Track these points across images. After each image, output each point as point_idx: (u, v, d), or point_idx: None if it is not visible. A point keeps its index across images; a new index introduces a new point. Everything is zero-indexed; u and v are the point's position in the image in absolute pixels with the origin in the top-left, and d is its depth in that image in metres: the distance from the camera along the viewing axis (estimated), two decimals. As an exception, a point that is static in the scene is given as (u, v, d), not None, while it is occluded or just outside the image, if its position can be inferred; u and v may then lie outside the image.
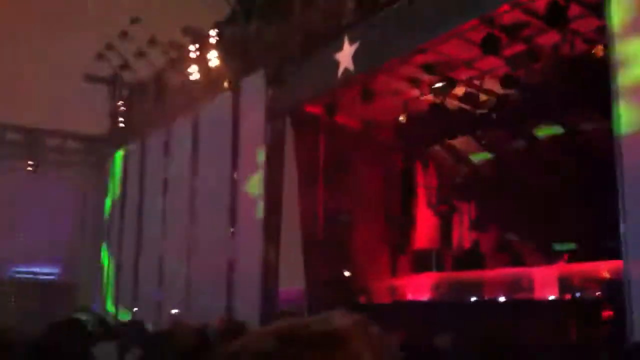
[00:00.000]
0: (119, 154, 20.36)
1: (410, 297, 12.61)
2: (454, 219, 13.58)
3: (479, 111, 12.30)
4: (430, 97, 12.33)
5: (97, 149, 21.56)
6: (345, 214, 13.46)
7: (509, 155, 13.05)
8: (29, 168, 20.58)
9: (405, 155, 14.18)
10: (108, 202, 21.10)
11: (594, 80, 8.92)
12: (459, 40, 10.67)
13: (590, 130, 11.62)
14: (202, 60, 15.69)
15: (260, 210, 14.08)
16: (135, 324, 9.32)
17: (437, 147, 13.93)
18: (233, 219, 14.93)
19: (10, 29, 18.84)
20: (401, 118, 12.89)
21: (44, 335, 5.44)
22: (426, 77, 11.85)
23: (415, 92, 12.59)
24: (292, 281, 13.74)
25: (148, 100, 18.73)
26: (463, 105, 12.39)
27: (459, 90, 12.01)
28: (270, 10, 13.86)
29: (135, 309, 17.69)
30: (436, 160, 14.10)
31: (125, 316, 17.39)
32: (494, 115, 12.10)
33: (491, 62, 11.14)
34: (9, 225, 19.70)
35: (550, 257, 11.36)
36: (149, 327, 9.99)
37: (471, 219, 13.25)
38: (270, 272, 13.78)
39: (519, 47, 10.62)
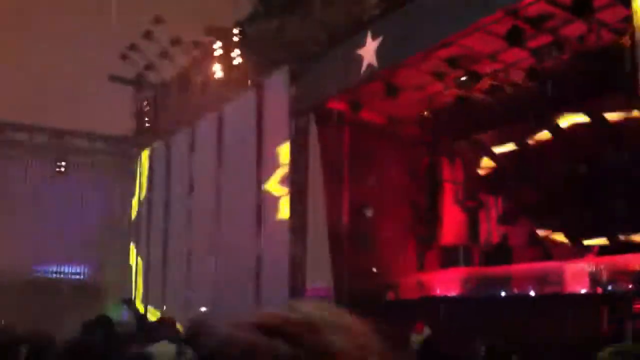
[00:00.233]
0: (145, 153, 20.52)
1: (438, 292, 12.54)
2: (481, 214, 13.47)
3: (503, 103, 12.17)
4: (454, 90, 12.23)
5: (123, 150, 21.75)
6: (369, 208, 13.41)
7: (535, 147, 12.89)
8: (58, 169, 20.82)
9: (430, 150, 14.10)
10: (135, 202, 21.29)
11: (620, 68, 8.78)
12: (483, 33, 10.57)
13: (618, 119, 11.46)
14: (225, 59, 15.74)
15: (285, 207, 14.12)
16: (166, 323, 9.38)
17: (462, 141, 13.82)
18: (259, 216, 14.96)
19: (38, 33, 19.10)
20: (425, 113, 12.83)
21: (79, 334, 5.52)
22: (450, 71, 11.75)
23: (440, 86, 12.49)
24: (320, 278, 13.74)
25: (172, 100, 18.85)
26: (488, 98, 12.27)
27: (484, 83, 11.89)
28: (292, 7, 13.84)
29: (164, 307, 17.84)
30: (462, 155, 13.99)
31: (155, 315, 17.55)
32: (518, 107, 11.96)
33: (516, 54, 11.02)
34: (39, 226, 19.97)
35: (580, 251, 11.22)
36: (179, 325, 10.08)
37: (499, 213, 13.13)
38: (297, 269, 13.80)
39: (545, 39, 10.48)
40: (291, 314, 1.21)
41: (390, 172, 13.34)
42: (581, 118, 12.16)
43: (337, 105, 13.55)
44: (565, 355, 8.77)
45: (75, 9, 19.19)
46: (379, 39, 11.80)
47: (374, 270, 13.32)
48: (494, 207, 13.31)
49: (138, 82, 19.56)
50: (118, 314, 18.13)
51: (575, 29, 10.21)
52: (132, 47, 18.27)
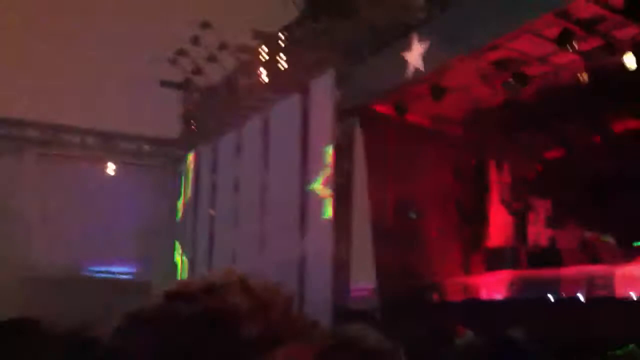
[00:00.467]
0: (191, 156, 20.88)
1: (484, 295, 12.51)
2: (528, 216, 13.41)
3: (552, 106, 12.11)
4: (502, 93, 12.22)
5: (169, 152, 22.14)
6: (414, 210, 13.48)
7: (585, 149, 12.79)
8: (107, 171, 21.30)
9: (476, 151, 14.09)
10: (180, 203, 21.68)
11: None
12: (532, 36, 10.56)
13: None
14: (271, 62, 15.97)
15: (329, 208, 14.26)
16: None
17: (510, 143, 13.78)
18: (303, 217, 15.13)
19: (87, 38, 19.59)
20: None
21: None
22: (498, 73, 11.74)
23: (487, 88, 12.49)
24: (364, 278, 13.84)
25: (219, 103, 19.15)
26: (536, 101, 12.23)
27: (532, 86, 11.86)
28: (339, 10, 13.98)
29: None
30: (509, 157, 13.96)
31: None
32: (567, 110, 11.90)
33: (566, 57, 10.97)
34: (88, 226, 20.45)
35: (630, 254, 11.10)
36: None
37: (547, 216, 13.05)
38: (341, 270, 13.92)
39: (596, 42, 10.42)
40: (194, 279, 1.34)
41: (436, 173, 13.38)
42: (632, 121, 12.04)
43: (382, 108, 13.64)
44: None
45: (123, 13, 19.63)
46: (425, 42, 11.87)
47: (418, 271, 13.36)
48: (541, 209, 13.22)
49: (186, 86, 19.93)
50: None
51: (628, 31, 10.12)
52: (181, 52, 18.63)
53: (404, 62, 12.23)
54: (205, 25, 17.25)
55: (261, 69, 16.29)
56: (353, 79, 13.71)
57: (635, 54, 10.24)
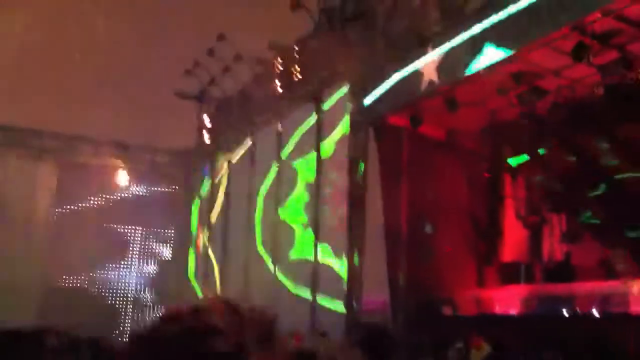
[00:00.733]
0: (208, 166, 20.97)
1: (497, 310, 12.41)
2: (543, 230, 13.30)
3: (566, 119, 12.05)
4: (517, 106, 12.17)
5: (185, 163, 22.22)
6: (430, 225, 13.42)
7: (601, 163, 12.68)
8: (123, 182, 21.42)
9: (491, 165, 14.03)
10: (195, 212, 21.76)
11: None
12: (548, 49, 10.53)
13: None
14: (286, 74, 16.03)
15: (343, 220, 14.26)
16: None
17: (525, 157, 13.70)
18: (316, 228, 15.14)
19: (104, 53, 19.78)
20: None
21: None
22: (513, 86, 11.71)
23: (502, 101, 12.45)
24: (377, 291, 13.78)
25: (234, 114, 19.24)
26: (550, 114, 12.17)
27: (548, 99, 11.81)
28: (354, 23, 14.02)
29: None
30: (524, 170, 13.88)
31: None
32: (582, 123, 11.82)
33: (581, 70, 10.92)
34: (103, 235, 20.58)
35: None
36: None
37: (562, 231, 12.94)
38: (354, 281, 13.89)
39: (611, 55, 10.36)
40: (185, 305, 1.57)
41: (450, 186, 13.32)
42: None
43: (397, 120, 13.62)
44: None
45: (141, 25, 19.79)
46: (441, 55, 11.87)
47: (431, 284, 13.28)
48: (557, 223, 13.12)
49: (201, 97, 20.04)
50: None
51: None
52: (196, 63, 18.76)
53: (419, 74, 12.23)
54: (221, 37, 17.36)
55: (276, 80, 16.35)
56: (368, 91, 13.71)
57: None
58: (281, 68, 16.08)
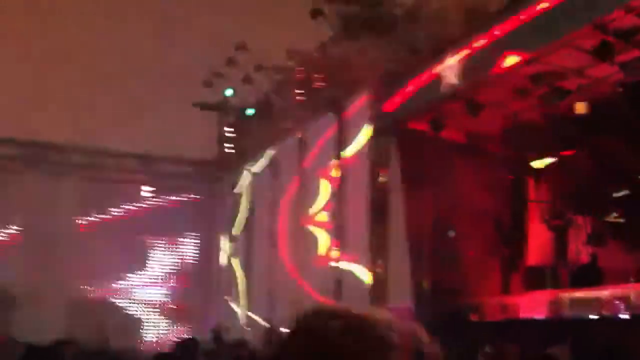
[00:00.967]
0: (231, 176, 21.03)
1: (524, 315, 12.20)
2: (569, 234, 13.08)
3: (589, 120, 11.86)
4: (539, 107, 12.03)
5: (207, 173, 22.28)
6: (451, 229, 13.31)
7: (625, 164, 12.45)
8: (146, 194, 21.54)
9: (514, 168, 13.85)
10: (219, 222, 21.82)
11: None
12: (569, 49, 10.39)
13: None
14: (307, 82, 16.05)
15: (366, 227, 14.19)
16: (240, 344, 9.68)
17: (548, 159, 13.51)
18: (340, 235, 15.09)
19: (125, 65, 19.95)
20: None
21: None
22: (535, 87, 11.56)
23: (523, 103, 12.32)
24: (401, 297, 13.68)
25: (255, 124, 19.29)
26: (573, 115, 11.99)
27: (569, 100, 11.65)
28: (374, 28, 13.99)
29: (249, 328, 18.10)
30: (548, 173, 13.68)
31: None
32: (606, 123, 11.62)
33: (603, 69, 10.75)
34: (126, 249, 20.72)
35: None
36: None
37: (587, 233, 12.71)
38: (378, 288, 13.81)
39: (634, 53, 10.19)
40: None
41: (473, 190, 13.17)
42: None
43: (418, 125, 13.55)
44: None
45: (160, 36, 19.95)
46: (461, 58, 11.80)
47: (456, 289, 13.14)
48: (582, 226, 12.90)
49: (221, 107, 20.12)
50: None
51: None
52: (216, 74, 18.84)
53: (440, 79, 12.16)
54: (240, 46, 17.43)
55: (296, 88, 16.36)
56: (389, 96, 13.66)
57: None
58: (301, 76, 16.09)
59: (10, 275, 19.34)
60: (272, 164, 18.38)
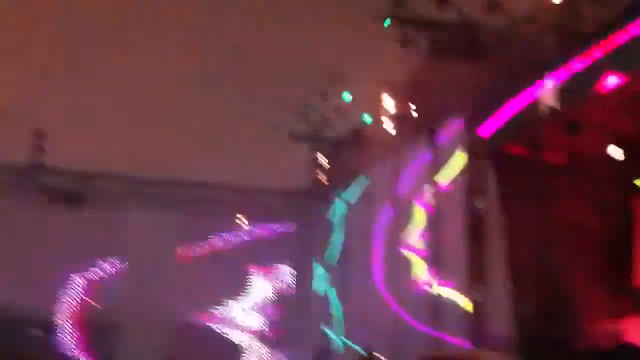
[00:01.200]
0: (325, 205, 21.31)
1: (634, 341, 11.76)
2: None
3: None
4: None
5: (301, 203, 22.62)
6: (556, 253, 13.02)
7: None
8: (241, 224, 22.08)
9: (620, 188, 13.48)
10: (315, 251, 22.07)
11: None
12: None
13: None
14: (399, 110, 16.20)
15: (464, 253, 14.09)
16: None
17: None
18: (436, 261, 15.02)
19: (217, 97, 20.68)
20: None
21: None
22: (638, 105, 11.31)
23: (627, 122, 12.04)
24: (502, 323, 13.46)
25: (348, 153, 19.56)
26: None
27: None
28: (466, 53, 14.05)
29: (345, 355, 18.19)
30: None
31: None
32: None
33: None
34: (233, 279, 21.34)
35: None
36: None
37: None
38: (478, 315, 13.63)
39: None
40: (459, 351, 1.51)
41: (576, 212, 12.91)
42: None
43: (515, 149, 13.44)
44: None
45: (253, 68, 20.57)
46: (558, 79, 11.69)
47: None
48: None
49: (314, 138, 20.50)
50: None
51: None
52: (309, 106, 19.30)
53: (537, 101, 12.06)
54: (334, 78, 17.80)
55: (389, 117, 16.54)
56: (483, 121, 13.64)
57: None
58: (393, 104, 16.26)
59: (116, 304, 20.26)
60: (366, 191, 18.56)
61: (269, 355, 21.70)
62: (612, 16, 10.99)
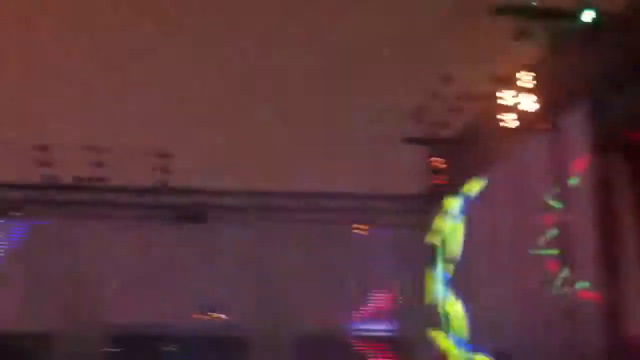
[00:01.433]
0: (440, 209, 20.96)
1: None
2: None
3: None
4: None
5: (416, 208, 22.35)
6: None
7: None
8: (358, 231, 22.07)
9: None
10: (435, 256, 21.75)
11: None
12: None
13: None
14: (515, 104, 15.62)
15: (595, 252, 13.38)
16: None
17: None
18: (568, 262, 14.34)
19: (328, 103, 20.79)
20: None
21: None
22: None
23: None
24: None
25: (464, 153, 19.13)
26: None
27: None
28: (585, 39, 13.35)
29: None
30: None
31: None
32: None
33: None
34: (355, 287, 21.44)
35: None
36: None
37: None
38: (613, 313, 12.90)
39: None
40: None
41: None
42: None
43: (646, 138, 12.62)
44: None
45: (363, 75, 20.53)
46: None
47: None
48: None
49: (428, 140, 20.22)
50: None
51: None
52: (421, 107, 19.02)
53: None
54: (445, 78, 17.46)
55: (505, 112, 15.98)
56: (610, 109, 12.89)
57: None
58: (509, 98, 15.69)
59: (243, 317, 20.90)
60: (486, 191, 18.06)
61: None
62: None
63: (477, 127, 18.08)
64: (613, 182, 13.22)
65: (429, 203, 21.77)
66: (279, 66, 21.24)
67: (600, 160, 13.44)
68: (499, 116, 16.14)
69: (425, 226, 22.23)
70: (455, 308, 19.83)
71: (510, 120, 15.86)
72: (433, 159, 20.88)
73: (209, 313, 21.41)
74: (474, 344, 18.34)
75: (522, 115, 15.54)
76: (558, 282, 14.82)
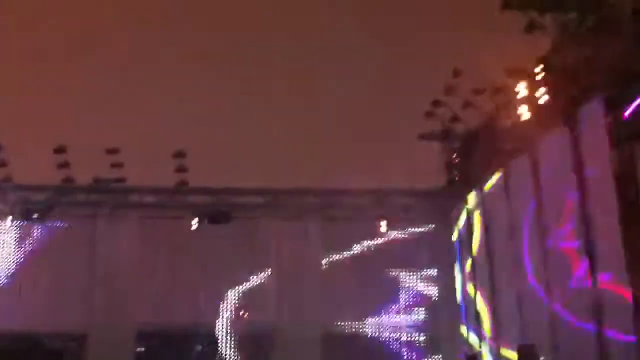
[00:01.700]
0: (462, 203, 20.83)
1: None
2: None
3: None
4: None
5: (439, 202, 22.23)
6: None
7: None
8: (382, 228, 22.03)
9: None
10: (456, 251, 21.65)
11: None
12: None
13: None
14: (531, 98, 15.44)
15: (619, 244, 13.18)
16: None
17: None
18: (592, 255, 14.14)
19: (348, 101, 20.75)
20: None
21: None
22: None
23: None
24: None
25: (481, 148, 18.97)
26: None
27: None
28: (600, 31, 13.13)
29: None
30: None
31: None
32: None
33: None
34: (377, 284, 21.39)
35: None
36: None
37: None
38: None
39: None
40: None
41: None
42: None
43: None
44: None
45: (377, 71, 20.49)
46: None
47: None
48: None
49: (445, 136, 20.10)
50: None
51: None
52: (436, 103, 18.93)
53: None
54: (457, 73, 17.34)
55: (521, 107, 15.81)
56: (627, 100, 12.68)
57: None
58: (525, 92, 15.51)
59: (266, 316, 20.97)
60: (505, 185, 17.89)
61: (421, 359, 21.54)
62: None
63: (494, 122, 17.91)
64: (634, 173, 13.02)
65: (450, 199, 21.64)
66: (299, 68, 21.37)
67: (619, 152, 13.26)
68: (514, 109, 16.00)
69: (447, 222, 22.15)
70: (480, 303, 19.74)
71: (525, 114, 15.69)
72: (449, 154, 20.76)
73: (237, 312, 21.54)
74: (499, 338, 18.25)
75: (537, 109, 15.38)
76: (583, 274, 14.65)
